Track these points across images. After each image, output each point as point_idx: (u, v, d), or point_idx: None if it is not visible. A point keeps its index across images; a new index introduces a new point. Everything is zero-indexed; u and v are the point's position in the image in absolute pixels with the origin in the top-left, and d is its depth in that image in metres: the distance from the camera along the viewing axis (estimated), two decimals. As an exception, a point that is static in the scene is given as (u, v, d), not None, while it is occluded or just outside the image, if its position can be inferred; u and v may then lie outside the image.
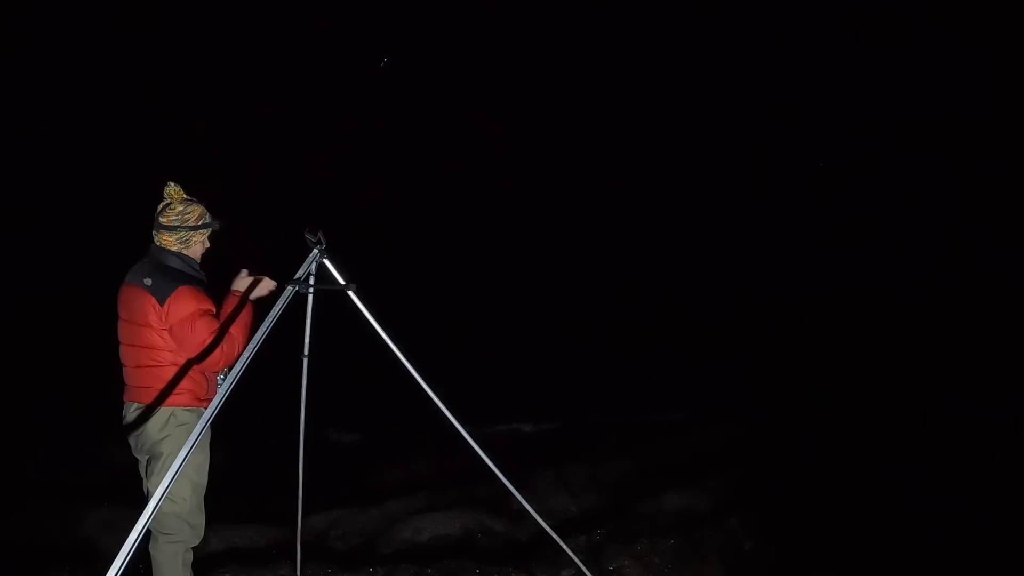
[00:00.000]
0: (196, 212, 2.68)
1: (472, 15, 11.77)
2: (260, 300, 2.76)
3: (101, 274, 3.18)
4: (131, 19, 9.87)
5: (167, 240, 2.64)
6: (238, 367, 2.04)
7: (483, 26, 11.92)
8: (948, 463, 4.57)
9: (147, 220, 2.68)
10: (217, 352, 2.55)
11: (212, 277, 2.79)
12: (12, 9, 8.99)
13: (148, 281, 2.56)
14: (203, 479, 2.71)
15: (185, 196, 2.68)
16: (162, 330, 2.58)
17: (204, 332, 2.55)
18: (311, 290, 2.68)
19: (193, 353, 2.56)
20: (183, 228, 2.64)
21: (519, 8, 11.77)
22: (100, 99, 9.69)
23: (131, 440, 2.70)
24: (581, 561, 3.09)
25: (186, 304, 2.54)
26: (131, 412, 2.66)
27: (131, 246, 2.77)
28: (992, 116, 9.21)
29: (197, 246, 2.72)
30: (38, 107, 9.29)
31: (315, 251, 2.62)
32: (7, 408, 5.46)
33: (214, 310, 2.64)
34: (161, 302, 2.53)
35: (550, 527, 2.98)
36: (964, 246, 8.95)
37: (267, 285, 2.80)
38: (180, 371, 2.61)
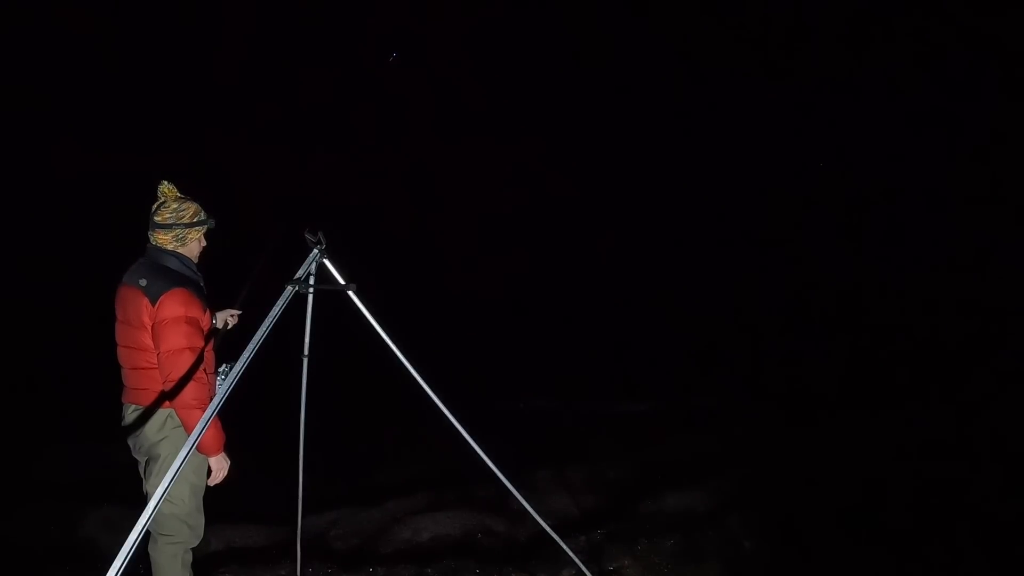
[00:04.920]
0: (191, 209, 2.66)
1: (472, 15, 11.78)
2: (259, 300, 2.75)
3: (101, 274, 3.17)
4: (132, 16, 9.87)
5: (163, 239, 2.62)
6: (238, 367, 2.03)
7: (483, 27, 11.92)
8: (949, 462, 4.57)
9: (146, 219, 2.67)
10: (190, 386, 2.49)
11: (210, 277, 2.79)
12: (15, 5, 8.99)
13: (143, 282, 2.54)
14: (202, 480, 2.70)
15: (179, 194, 2.67)
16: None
17: (181, 340, 2.49)
18: (311, 290, 2.68)
19: (164, 358, 2.50)
20: (178, 225, 2.63)
21: (522, 8, 11.79)
22: (99, 97, 9.69)
23: (130, 441, 2.69)
24: (581, 561, 3.09)
25: (174, 307, 2.50)
26: (129, 413, 2.66)
27: (131, 246, 2.76)
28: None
29: (193, 244, 2.70)
30: (37, 105, 9.28)
31: (315, 251, 2.61)
32: (7, 408, 5.46)
33: (201, 321, 2.59)
34: (153, 302, 2.50)
35: (550, 527, 2.98)
36: (955, 244, 8.97)
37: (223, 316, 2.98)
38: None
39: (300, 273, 2.59)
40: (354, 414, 6.04)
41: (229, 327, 3.02)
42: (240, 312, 3.06)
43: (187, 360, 2.49)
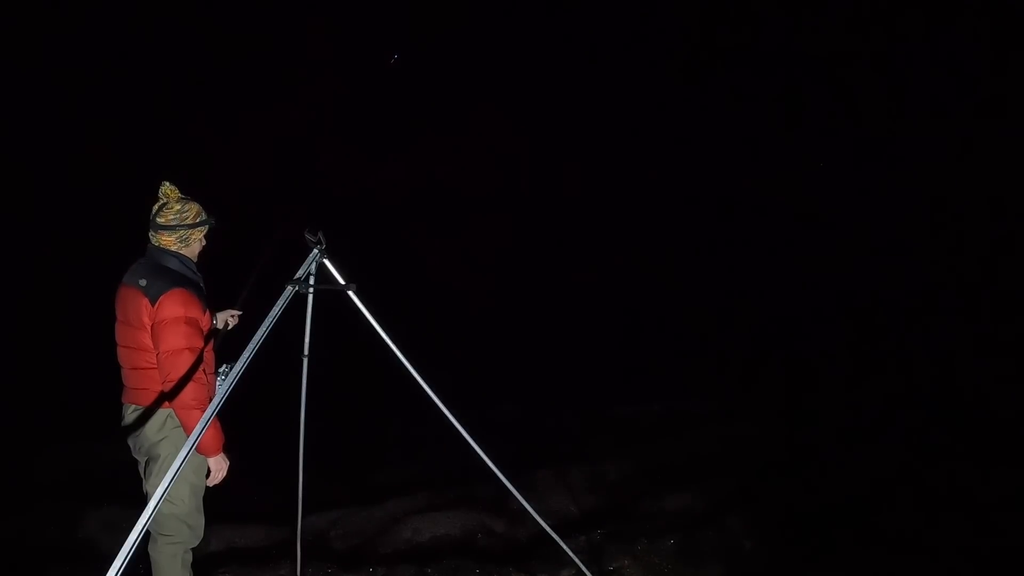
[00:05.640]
0: (194, 210, 2.67)
1: (474, 17, 11.78)
2: (259, 300, 2.75)
3: (101, 274, 3.18)
4: (132, 17, 9.87)
5: (166, 240, 2.63)
6: (238, 367, 2.03)
7: (486, 28, 11.93)
8: (949, 462, 4.57)
9: (146, 219, 2.67)
10: (190, 387, 2.49)
11: (209, 277, 2.79)
12: (15, 8, 8.99)
13: (143, 282, 2.54)
14: (202, 480, 2.70)
15: (181, 195, 2.67)
16: None
17: (181, 341, 2.49)
18: (311, 290, 2.68)
19: (163, 359, 2.50)
20: (182, 227, 2.63)
21: (519, 10, 11.80)
22: (98, 98, 9.69)
23: (129, 441, 2.70)
24: (581, 561, 3.09)
25: (174, 308, 2.49)
26: (129, 413, 2.66)
27: (131, 246, 2.76)
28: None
29: (196, 244, 2.71)
30: (37, 106, 9.29)
31: (315, 251, 2.61)
32: (7, 408, 5.46)
33: (201, 321, 2.59)
34: (153, 302, 2.50)
35: (550, 527, 2.98)
36: (956, 239, 8.97)
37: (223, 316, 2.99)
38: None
39: (300, 273, 2.59)
40: (354, 414, 6.04)
41: (229, 327, 3.02)
42: (240, 312, 3.06)
43: (186, 361, 2.49)
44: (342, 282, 2.65)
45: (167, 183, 2.66)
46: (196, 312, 2.56)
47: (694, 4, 11.74)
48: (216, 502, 2.82)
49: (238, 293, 3.07)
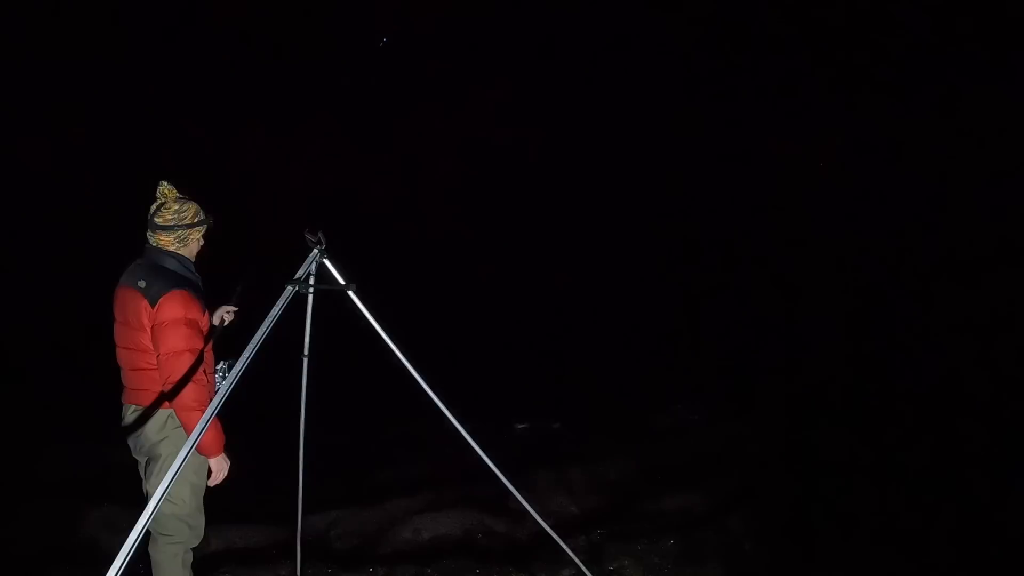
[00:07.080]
0: (192, 210, 2.66)
1: (476, 20, 11.79)
2: (259, 300, 2.75)
3: (101, 273, 3.18)
4: (130, 21, 9.88)
5: (164, 240, 2.62)
6: (238, 367, 2.03)
7: (487, 32, 11.93)
8: (947, 461, 4.57)
9: (142, 219, 2.67)
10: (190, 387, 2.49)
11: (207, 278, 2.78)
12: (18, 6, 8.99)
13: (142, 283, 2.54)
14: (202, 480, 2.70)
15: (179, 195, 2.67)
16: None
17: (181, 343, 2.49)
18: (311, 290, 2.67)
19: (163, 360, 2.50)
20: (180, 227, 2.63)
21: (522, 17, 11.80)
22: (96, 100, 9.69)
23: (130, 442, 2.70)
24: (581, 561, 3.09)
25: (174, 309, 2.49)
26: (129, 414, 2.66)
27: (130, 246, 2.76)
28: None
29: (194, 244, 2.71)
30: (37, 107, 9.29)
31: (315, 251, 2.61)
32: (8, 408, 5.46)
33: (201, 322, 2.59)
34: (152, 303, 2.50)
35: (550, 527, 2.98)
36: (953, 251, 8.98)
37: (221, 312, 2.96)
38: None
39: (300, 273, 2.58)
40: (354, 414, 6.04)
41: (226, 323, 3.01)
42: (236, 308, 3.05)
43: (187, 362, 2.49)
44: (342, 282, 2.65)
45: (165, 183, 2.66)
46: (196, 313, 2.56)
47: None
48: (216, 502, 2.82)
49: (232, 290, 3.07)
